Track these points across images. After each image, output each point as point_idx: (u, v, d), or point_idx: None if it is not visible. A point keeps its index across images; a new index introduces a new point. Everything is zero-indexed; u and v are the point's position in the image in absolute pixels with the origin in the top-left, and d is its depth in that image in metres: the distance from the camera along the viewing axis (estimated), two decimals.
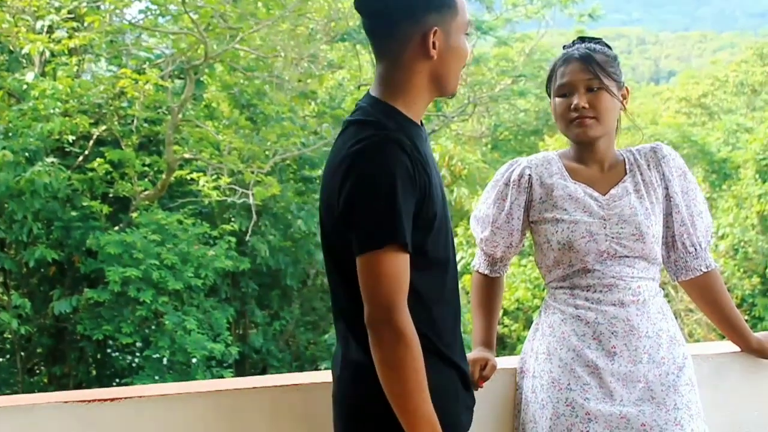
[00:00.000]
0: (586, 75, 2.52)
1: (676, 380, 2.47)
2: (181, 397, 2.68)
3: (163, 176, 13.91)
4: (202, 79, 14.93)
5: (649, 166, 2.62)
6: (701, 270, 2.67)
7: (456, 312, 2.24)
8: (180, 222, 13.30)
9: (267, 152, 14.72)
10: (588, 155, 2.62)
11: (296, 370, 16.11)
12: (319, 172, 15.26)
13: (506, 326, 17.72)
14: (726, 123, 26.02)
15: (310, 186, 16.05)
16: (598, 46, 2.60)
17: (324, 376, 2.75)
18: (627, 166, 2.62)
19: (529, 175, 2.65)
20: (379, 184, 1.98)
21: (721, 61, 42.15)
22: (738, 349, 2.89)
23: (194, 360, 12.74)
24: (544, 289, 17.13)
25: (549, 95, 2.66)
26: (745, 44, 41.75)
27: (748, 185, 18.29)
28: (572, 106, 2.53)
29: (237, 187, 13.73)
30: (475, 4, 20.73)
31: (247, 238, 14.17)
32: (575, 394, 2.45)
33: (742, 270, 17.79)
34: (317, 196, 2.22)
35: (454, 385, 2.21)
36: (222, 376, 13.16)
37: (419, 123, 2.19)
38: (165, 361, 12.96)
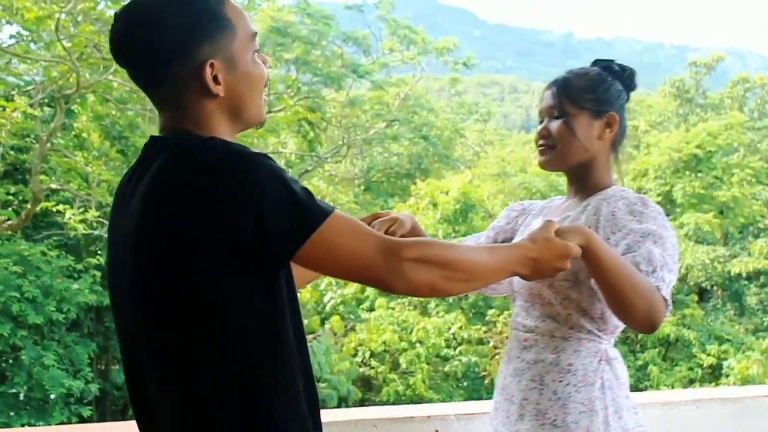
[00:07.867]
0: (552, 101, 2.33)
1: None
2: None
3: (28, 206, 13.55)
4: (73, 108, 14.66)
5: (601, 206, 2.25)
6: None
7: None
8: (44, 254, 12.99)
9: None
10: (569, 184, 2.42)
11: None
12: None
13: (373, 368, 17.80)
14: None
15: None
16: (586, 69, 2.38)
17: None
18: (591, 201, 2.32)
19: (523, 207, 2.60)
20: (280, 178, 1.62)
21: None
22: None
23: (52, 396, 12.39)
24: (417, 332, 17.06)
25: None
26: None
27: None
28: (537, 133, 2.37)
29: (104, 221, 13.43)
30: (353, 47, 21.04)
31: None
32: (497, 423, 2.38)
33: None
34: None
35: None
36: (81, 414, 12.83)
37: None
38: (21, 396, 12.55)
